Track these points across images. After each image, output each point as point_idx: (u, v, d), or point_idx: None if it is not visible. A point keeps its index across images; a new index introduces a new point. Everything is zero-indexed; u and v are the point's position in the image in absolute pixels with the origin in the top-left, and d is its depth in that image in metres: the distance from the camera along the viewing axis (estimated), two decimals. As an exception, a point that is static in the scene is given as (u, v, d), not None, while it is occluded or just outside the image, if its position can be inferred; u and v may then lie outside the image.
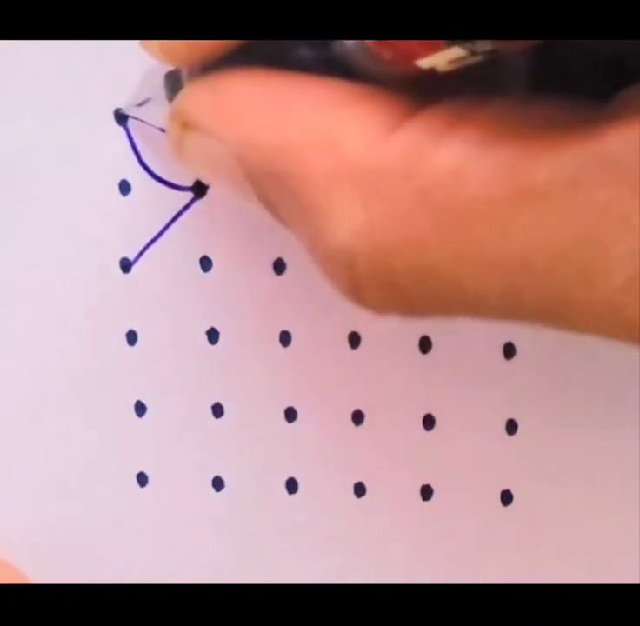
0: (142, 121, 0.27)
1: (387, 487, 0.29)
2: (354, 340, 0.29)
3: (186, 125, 0.23)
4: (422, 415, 0.29)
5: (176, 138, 0.23)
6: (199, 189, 0.28)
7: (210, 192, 0.28)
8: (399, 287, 0.20)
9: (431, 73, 0.20)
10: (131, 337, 0.28)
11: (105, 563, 0.29)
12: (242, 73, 0.22)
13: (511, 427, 0.29)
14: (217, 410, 0.28)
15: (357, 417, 0.29)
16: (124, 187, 0.27)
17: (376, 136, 0.20)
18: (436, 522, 0.30)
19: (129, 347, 0.28)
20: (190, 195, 0.28)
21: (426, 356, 0.29)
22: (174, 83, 0.25)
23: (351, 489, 0.29)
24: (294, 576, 0.29)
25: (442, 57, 0.19)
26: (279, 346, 0.28)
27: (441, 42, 0.19)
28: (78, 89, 0.27)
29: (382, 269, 0.20)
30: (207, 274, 0.28)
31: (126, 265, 0.28)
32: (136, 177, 0.27)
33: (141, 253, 0.28)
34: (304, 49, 0.21)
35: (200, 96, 0.23)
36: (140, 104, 0.27)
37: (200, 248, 0.28)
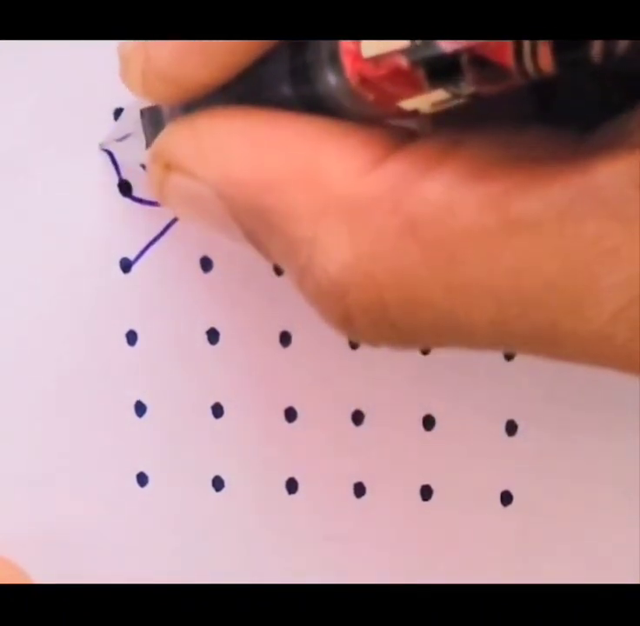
0: (117, 157, 0.27)
1: (387, 487, 0.29)
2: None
3: (168, 166, 0.23)
4: (422, 415, 0.29)
5: (158, 179, 0.23)
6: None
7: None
8: (390, 319, 0.20)
9: (414, 115, 0.20)
10: (131, 337, 0.28)
11: (105, 563, 0.29)
12: (223, 111, 0.22)
13: (511, 427, 0.29)
14: (217, 410, 0.29)
15: (357, 417, 0.29)
16: (124, 187, 0.27)
17: (360, 169, 0.20)
18: (436, 523, 0.30)
19: (129, 347, 0.28)
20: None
21: (426, 356, 0.29)
22: (153, 120, 0.25)
23: (351, 489, 0.29)
24: (294, 575, 0.29)
25: (425, 100, 0.20)
26: (279, 346, 0.28)
27: (424, 84, 0.19)
28: (78, 89, 0.27)
29: (372, 302, 0.20)
30: (207, 274, 0.28)
31: (126, 265, 0.28)
32: (137, 177, 0.27)
33: (141, 253, 0.28)
34: (286, 88, 0.21)
35: (181, 136, 0.22)
36: (120, 139, 0.27)
37: (200, 248, 0.28)
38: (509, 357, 0.29)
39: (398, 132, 0.21)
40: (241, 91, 0.22)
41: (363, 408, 0.29)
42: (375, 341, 0.21)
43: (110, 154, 0.27)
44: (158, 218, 0.28)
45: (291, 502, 0.29)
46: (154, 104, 0.24)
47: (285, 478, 0.29)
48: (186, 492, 0.29)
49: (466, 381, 0.29)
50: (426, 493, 0.29)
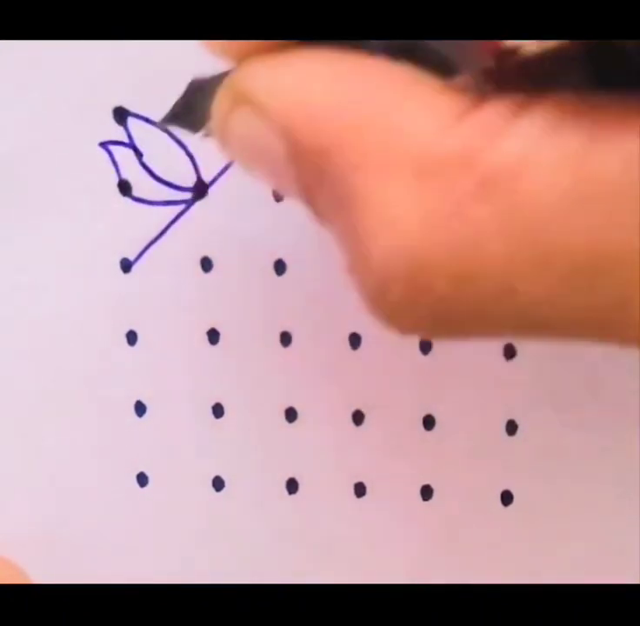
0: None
1: (387, 487, 0.29)
2: (354, 340, 0.29)
3: (237, 98, 0.21)
4: (422, 415, 0.29)
5: (224, 114, 0.22)
6: (199, 190, 0.28)
7: (210, 192, 0.28)
8: (434, 294, 0.19)
9: (511, 55, 0.19)
10: (131, 337, 0.28)
11: (105, 563, 0.29)
12: (305, 51, 0.20)
13: (511, 427, 0.29)
14: (217, 410, 0.28)
15: (357, 417, 0.29)
16: (124, 187, 0.27)
17: (442, 125, 0.19)
18: (436, 523, 0.29)
19: (129, 347, 0.28)
20: (189, 195, 0.28)
21: (426, 356, 0.29)
22: (199, 91, 0.23)
23: (351, 489, 0.29)
24: (294, 575, 0.29)
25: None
26: (279, 346, 0.28)
27: None
28: (78, 89, 0.27)
29: (420, 272, 0.19)
30: (207, 274, 0.28)
31: (126, 265, 0.28)
32: (137, 177, 0.27)
33: (141, 253, 0.28)
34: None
35: (258, 69, 0.21)
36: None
37: (200, 248, 0.28)
38: (509, 357, 0.29)
39: (480, 90, 0.20)
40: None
41: (363, 408, 0.29)
42: (405, 319, 0.19)
43: (110, 154, 0.27)
44: (158, 218, 0.28)
45: (291, 503, 0.29)
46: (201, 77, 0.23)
47: (285, 478, 0.29)
48: (186, 492, 0.29)
49: (466, 381, 0.29)
50: (426, 493, 0.29)
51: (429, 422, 0.29)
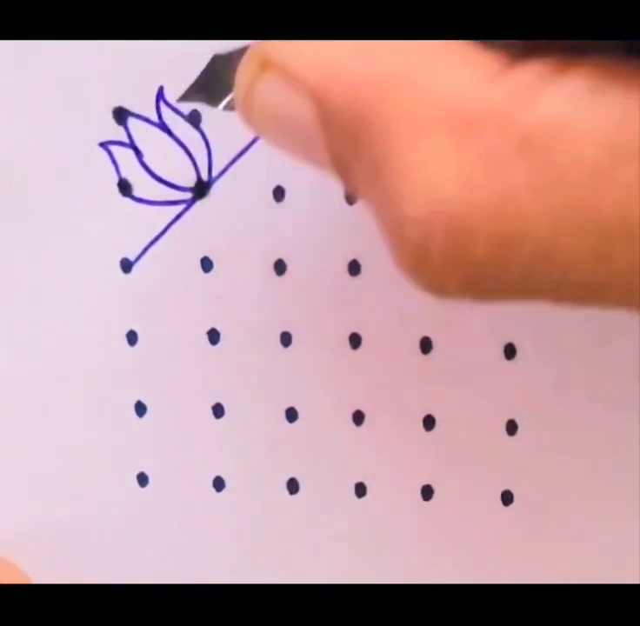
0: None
1: (388, 487, 0.29)
2: (354, 340, 0.29)
3: (264, 64, 0.21)
4: (422, 415, 0.29)
5: (249, 82, 0.21)
6: (199, 190, 0.28)
7: (210, 192, 0.28)
8: (477, 256, 0.18)
9: None
10: (131, 337, 0.28)
11: (105, 563, 0.29)
12: None
13: (511, 427, 0.29)
14: (217, 410, 0.29)
15: (358, 417, 0.29)
16: (124, 187, 0.27)
17: (481, 80, 0.18)
18: (436, 523, 0.30)
19: (129, 347, 0.28)
20: (189, 195, 0.28)
21: (426, 356, 0.29)
22: (221, 63, 0.23)
23: (352, 490, 0.29)
24: (294, 575, 0.29)
25: None
26: (279, 346, 0.28)
27: None
28: (78, 90, 0.27)
29: (462, 234, 0.18)
30: (207, 274, 0.28)
31: (126, 265, 0.28)
32: (137, 177, 0.27)
33: (141, 253, 0.28)
34: None
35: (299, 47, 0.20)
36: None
37: (200, 248, 0.28)
38: (509, 357, 0.29)
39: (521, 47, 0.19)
40: None
41: (363, 408, 0.29)
42: (445, 284, 0.19)
43: (110, 154, 0.27)
44: (158, 218, 0.28)
45: (292, 503, 0.29)
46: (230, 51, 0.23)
47: (286, 478, 0.29)
48: (186, 492, 0.29)
49: (466, 381, 0.29)
50: (427, 493, 0.29)
51: (429, 422, 0.29)
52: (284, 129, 0.21)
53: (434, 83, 0.19)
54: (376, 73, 0.19)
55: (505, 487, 0.29)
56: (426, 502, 0.29)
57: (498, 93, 0.18)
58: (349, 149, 0.19)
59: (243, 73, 0.21)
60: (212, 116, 0.27)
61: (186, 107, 0.27)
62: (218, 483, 0.29)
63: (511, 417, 0.29)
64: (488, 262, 0.18)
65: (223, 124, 0.27)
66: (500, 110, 0.18)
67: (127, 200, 0.28)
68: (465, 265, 0.19)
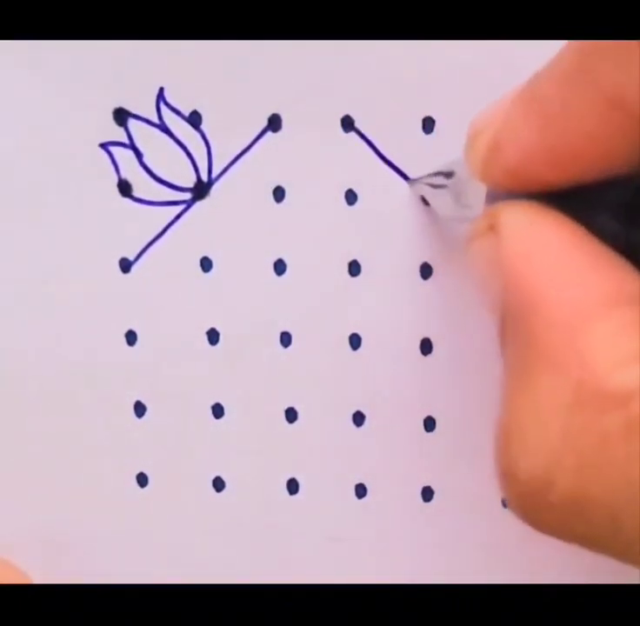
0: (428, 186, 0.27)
1: (388, 488, 0.29)
2: (354, 340, 0.29)
3: (492, 227, 0.22)
4: (423, 416, 0.29)
5: (479, 234, 0.22)
6: (199, 190, 0.28)
7: (210, 193, 0.28)
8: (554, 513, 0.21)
9: None
10: (131, 337, 0.28)
11: (105, 563, 0.29)
12: (559, 225, 0.21)
13: (511, 427, 0.29)
14: (217, 410, 0.29)
15: (358, 418, 0.29)
16: (124, 187, 0.27)
17: (619, 361, 0.19)
18: (437, 523, 0.30)
19: (129, 347, 0.28)
20: (189, 195, 0.28)
21: (426, 356, 0.29)
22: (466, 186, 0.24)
23: (352, 490, 0.29)
24: (294, 575, 0.29)
25: None
26: (279, 346, 0.28)
27: None
28: (79, 91, 0.27)
29: (543, 489, 0.21)
30: (207, 274, 0.28)
31: (126, 265, 0.28)
32: (137, 178, 0.27)
33: (141, 253, 0.28)
34: (613, 222, 0.20)
35: (519, 211, 0.21)
36: (434, 186, 0.26)
37: (200, 248, 0.28)
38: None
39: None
40: (572, 202, 0.21)
41: (363, 408, 0.29)
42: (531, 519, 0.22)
43: (111, 155, 0.27)
44: (158, 218, 0.28)
45: (292, 503, 0.29)
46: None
47: (286, 479, 0.29)
48: (186, 492, 0.29)
49: (466, 381, 0.29)
50: (427, 494, 0.29)
51: (429, 423, 0.29)
52: (482, 285, 0.22)
53: (581, 347, 0.19)
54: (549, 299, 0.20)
55: (505, 487, 0.29)
56: (426, 503, 0.29)
57: (628, 380, 0.19)
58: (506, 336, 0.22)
59: (476, 225, 0.22)
60: (212, 116, 0.27)
61: (186, 107, 0.27)
62: (218, 483, 0.29)
63: (511, 417, 0.29)
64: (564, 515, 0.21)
65: (223, 125, 0.27)
66: (624, 391, 0.19)
67: (127, 200, 0.28)
68: (546, 516, 0.21)
